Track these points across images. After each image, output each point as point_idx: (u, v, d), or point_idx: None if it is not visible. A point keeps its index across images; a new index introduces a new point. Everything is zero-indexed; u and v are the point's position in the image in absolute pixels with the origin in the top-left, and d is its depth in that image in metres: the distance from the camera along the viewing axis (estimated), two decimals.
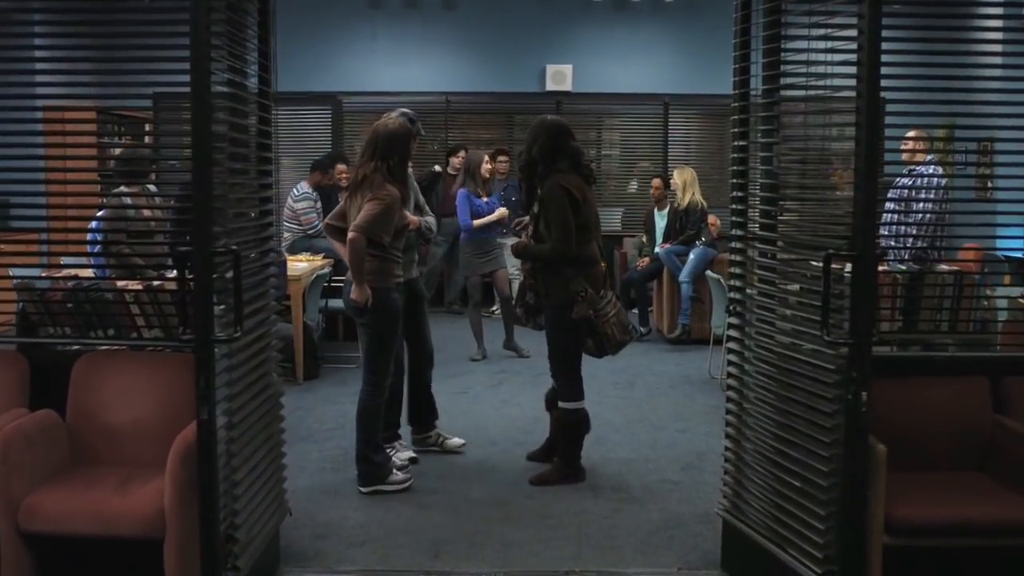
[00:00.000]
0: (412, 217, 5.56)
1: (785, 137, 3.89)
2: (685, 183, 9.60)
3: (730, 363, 4.06)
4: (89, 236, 5.23)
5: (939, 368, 4.11)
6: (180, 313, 3.24)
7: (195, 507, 3.34)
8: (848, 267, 3.39)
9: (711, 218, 9.86)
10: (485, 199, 8.59)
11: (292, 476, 5.11)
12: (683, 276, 9.36)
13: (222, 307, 3.35)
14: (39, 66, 3.75)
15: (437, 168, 11.09)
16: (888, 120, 3.49)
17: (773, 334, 3.79)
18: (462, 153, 10.27)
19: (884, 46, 3.22)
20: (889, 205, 6.41)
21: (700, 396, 7.48)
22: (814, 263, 3.64)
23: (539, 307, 5.40)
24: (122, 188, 5.75)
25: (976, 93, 3.94)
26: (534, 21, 12.17)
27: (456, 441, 5.96)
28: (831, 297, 3.32)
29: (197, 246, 3.15)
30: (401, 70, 12.11)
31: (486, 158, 8.71)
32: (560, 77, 12.19)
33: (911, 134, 6.29)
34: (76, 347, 4.05)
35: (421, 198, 5.94)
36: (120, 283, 4.23)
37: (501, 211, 8.61)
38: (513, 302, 5.31)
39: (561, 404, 5.34)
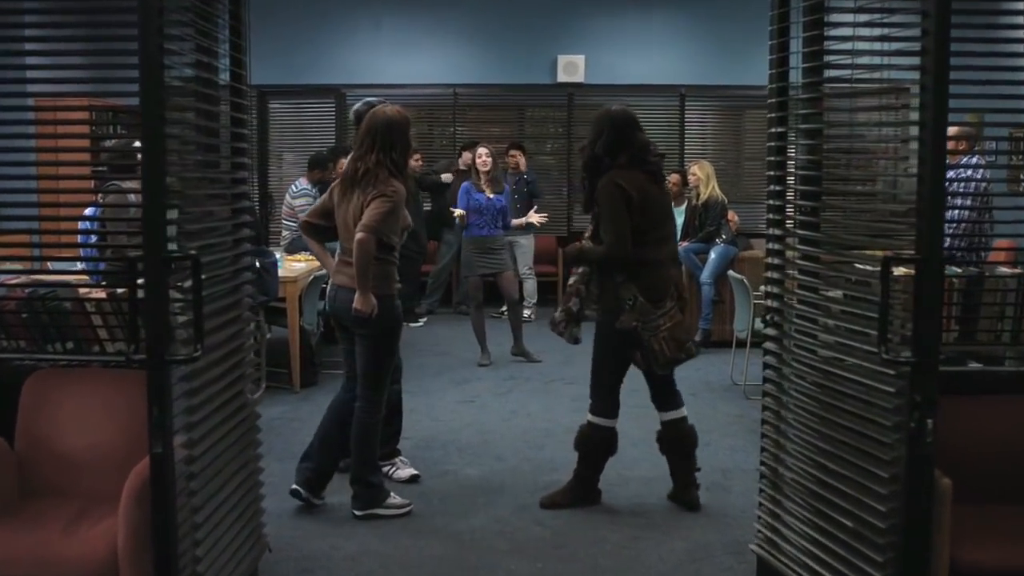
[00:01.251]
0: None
1: (830, 123, 3.40)
2: (707, 177, 9.09)
3: (766, 380, 3.58)
4: (80, 239, 4.78)
5: (1002, 384, 3.62)
6: (131, 328, 2.77)
7: (152, 551, 2.88)
8: (900, 272, 2.91)
9: (730, 214, 9.35)
10: (489, 194, 8.12)
11: (280, 498, 4.68)
12: (704, 277, 8.86)
13: (183, 319, 2.89)
14: (30, 53, 3.27)
15: (446, 178, 10.63)
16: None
17: (816, 348, 3.31)
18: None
19: None
20: None
21: (722, 405, 7.01)
22: (861, 266, 3.18)
23: (580, 316, 4.92)
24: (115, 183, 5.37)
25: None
26: (545, 10, 11.72)
27: (406, 472, 5.32)
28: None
29: (148, 251, 2.70)
30: (407, 62, 11.68)
31: (479, 150, 8.25)
32: (572, 68, 11.76)
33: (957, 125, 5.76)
34: (30, 363, 3.59)
35: None
36: (83, 291, 3.77)
37: (458, 212, 8.21)
38: (558, 310, 4.78)
39: (589, 418, 4.88)
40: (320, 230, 4.72)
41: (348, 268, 4.52)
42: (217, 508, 3.09)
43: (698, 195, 9.15)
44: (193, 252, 2.76)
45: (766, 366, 3.56)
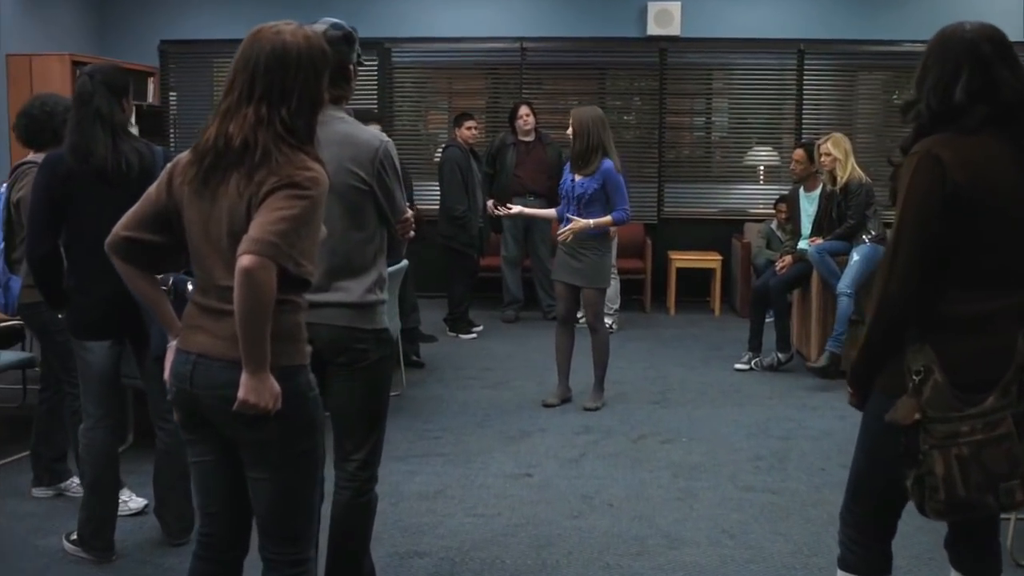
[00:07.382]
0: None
1: None
2: (844, 154, 6.93)
3: None
4: None
5: None
6: None
7: None
8: None
9: None
10: (578, 177, 6.01)
11: None
12: (843, 286, 6.67)
13: None
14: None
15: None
16: None
17: None
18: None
19: None
20: None
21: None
22: None
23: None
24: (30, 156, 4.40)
25: None
26: None
27: None
28: None
29: None
30: (464, 10, 10.23)
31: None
32: (665, 18, 10.02)
33: None
34: None
35: None
36: None
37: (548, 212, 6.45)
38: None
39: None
40: (148, 251, 2.60)
41: (219, 322, 2.45)
42: None
43: (835, 179, 6.97)
44: None
45: None
